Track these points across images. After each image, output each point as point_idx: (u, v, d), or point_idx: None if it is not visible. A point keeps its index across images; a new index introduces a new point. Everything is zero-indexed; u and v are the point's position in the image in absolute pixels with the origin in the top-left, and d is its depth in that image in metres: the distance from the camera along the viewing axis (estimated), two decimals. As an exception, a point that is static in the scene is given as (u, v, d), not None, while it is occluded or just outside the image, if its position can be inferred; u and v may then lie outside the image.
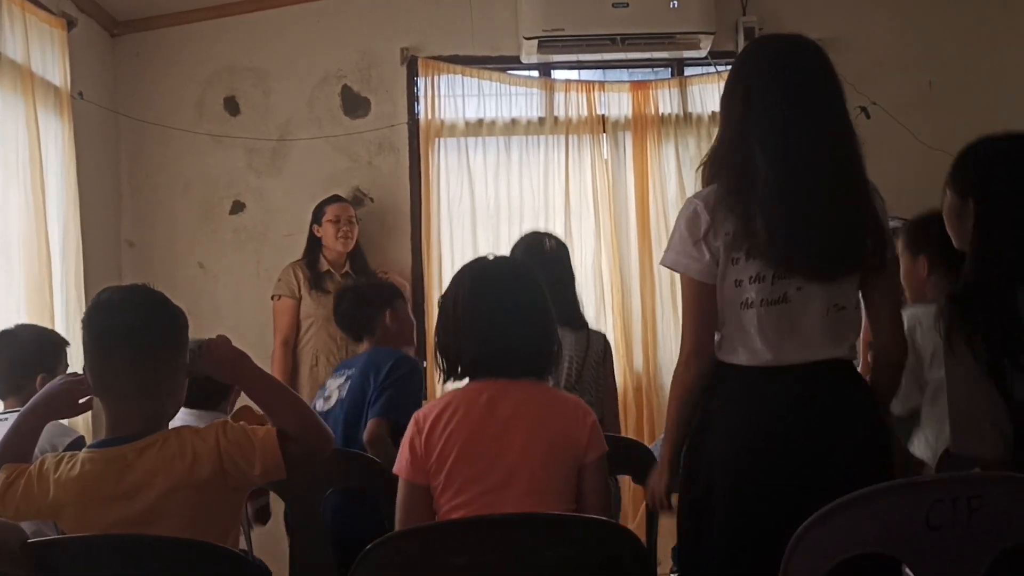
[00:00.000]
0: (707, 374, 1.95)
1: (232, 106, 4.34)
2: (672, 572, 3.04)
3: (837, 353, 1.87)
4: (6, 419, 2.53)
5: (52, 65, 3.52)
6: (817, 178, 1.84)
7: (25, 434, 1.81)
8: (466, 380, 1.97)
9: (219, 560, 1.56)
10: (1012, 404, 1.76)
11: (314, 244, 3.85)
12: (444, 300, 2.00)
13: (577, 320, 2.90)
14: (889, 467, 1.91)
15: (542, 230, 3.29)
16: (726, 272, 1.89)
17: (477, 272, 2.01)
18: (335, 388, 2.77)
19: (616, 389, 3.04)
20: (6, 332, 2.68)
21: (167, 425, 1.73)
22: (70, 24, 3.65)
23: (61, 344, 2.73)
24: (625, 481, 3.80)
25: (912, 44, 4.25)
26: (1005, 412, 1.73)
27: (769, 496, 1.82)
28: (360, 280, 3.58)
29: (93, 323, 1.71)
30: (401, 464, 1.90)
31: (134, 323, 1.67)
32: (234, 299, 4.00)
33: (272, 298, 3.75)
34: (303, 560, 2.30)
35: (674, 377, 2.04)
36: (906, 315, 2.11)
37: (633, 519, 3.94)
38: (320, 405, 2.76)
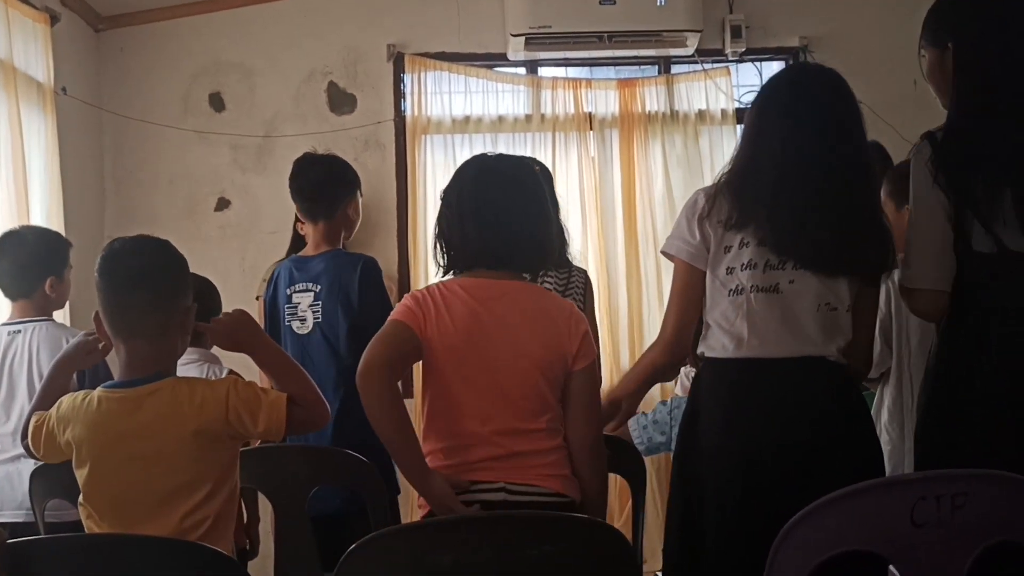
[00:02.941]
0: (677, 364, 2.07)
1: (217, 102, 4.32)
2: (659, 570, 3.04)
3: (826, 351, 1.86)
4: (20, 330, 2.60)
5: (35, 60, 3.49)
6: (819, 183, 1.85)
7: (56, 388, 2.02)
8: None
9: (200, 559, 1.56)
10: (971, 253, 1.83)
11: (298, 242, 3.81)
12: (447, 193, 1.98)
13: (559, 257, 2.78)
14: (879, 466, 1.91)
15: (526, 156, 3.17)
16: (718, 260, 1.90)
17: (481, 165, 2.00)
18: (307, 310, 2.72)
19: (596, 330, 2.91)
20: (12, 233, 2.72)
21: (176, 365, 1.88)
22: (53, 19, 3.62)
23: (66, 245, 2.79)
24: (612, 479, 3.81)
25: (897, 43, 4.21)
26: (951, 256, 1.85)
27: (758, 494, 1.81)
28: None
29: (107, 270, 1.82)
30: (398, 311, 1.89)
31: (144, 269, 1.81)
32: (219, 296, 4.00)
33: (257, 298, 3.72)
34: (289, 558, 2.29)
35: (646, 354, 2.10)
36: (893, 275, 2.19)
37: (619, 517, 3.95)
38: (297, 328, 2.72)
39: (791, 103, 1.92)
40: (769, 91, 2.00)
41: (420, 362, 1.92)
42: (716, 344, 1.90)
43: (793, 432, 1.83)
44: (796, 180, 1.86)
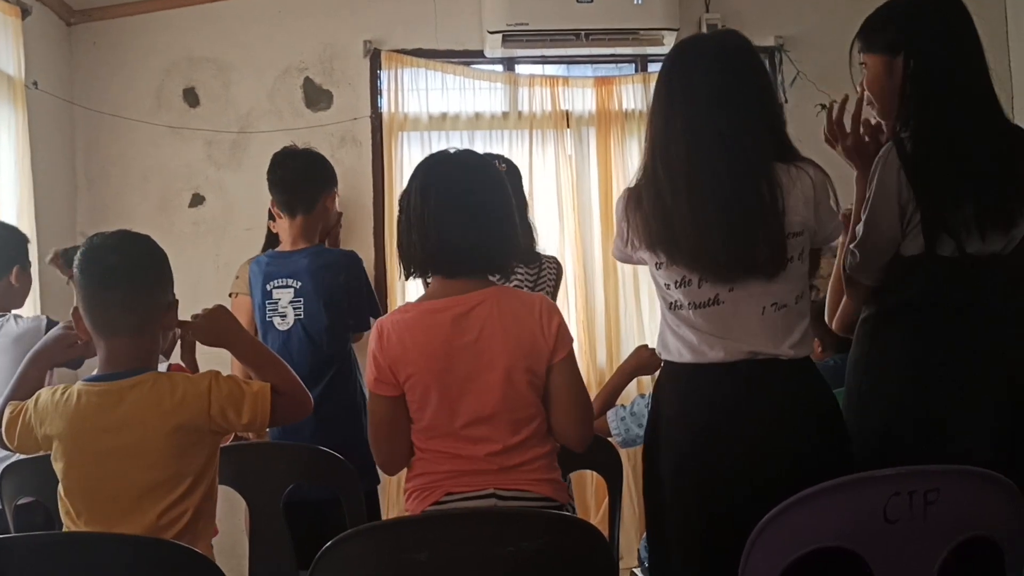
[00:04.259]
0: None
1: (191, 97, 4.28)
2: (636, 567, 3.05)
3: (778, 351, 1.80)
4: None
5: (6, 54, 3.45)
6: (706, 182, 1.79)
7: (31, 380, 2.02)
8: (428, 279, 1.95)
9: (175, 558, 1.54)
10: (934, 256, 1.88)
11: (272, 240, 3.77)
12: (402, 198, 1.94)
13: (528, 253, 2.77)
14: (846, 463, 1.91)
15: (493, 152, 3.15)
16: (653, 272, 1.89)
17: (430, 167, 1.94)
18: (287, 306, 2.72)
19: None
20: None
21: (157, 361, 1.88)
22: (24, 12, 3.57)
23: (25, 240, 2.81)
24: (589, 476, 3.82)
25: (872, 43, 4.29)
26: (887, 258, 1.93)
27: (710, 494, 1.79)
28: None
29: (86, 267, 1.81)
30: (369, 379, 1.90)
31: (126, 265, 1.82)
32: (192, 293, 3.93)
33: (230, 296, 3.70)
34: (263, 556, 2.27)
35: None
36: None
37: (595, 514, 3.96)
38: (278, 323, 2.72)
39: (668, 104, 1.86)
40: (656, 89, 1.93)
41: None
42: (672, 347, 1.88)
43: (744, 434, 1.78)
44: (689, 195, 1.79)
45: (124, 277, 1.80)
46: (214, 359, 2.67)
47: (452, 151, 2.00)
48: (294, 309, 2.71)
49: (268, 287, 2.75)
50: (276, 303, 2.75)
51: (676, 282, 1.84)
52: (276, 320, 2.73)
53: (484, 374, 1.83)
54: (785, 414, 1.79)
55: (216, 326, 1.94)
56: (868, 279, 2.00)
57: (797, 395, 1.82)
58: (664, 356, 1.92)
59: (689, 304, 1.83)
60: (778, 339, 1.81)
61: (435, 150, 4.28)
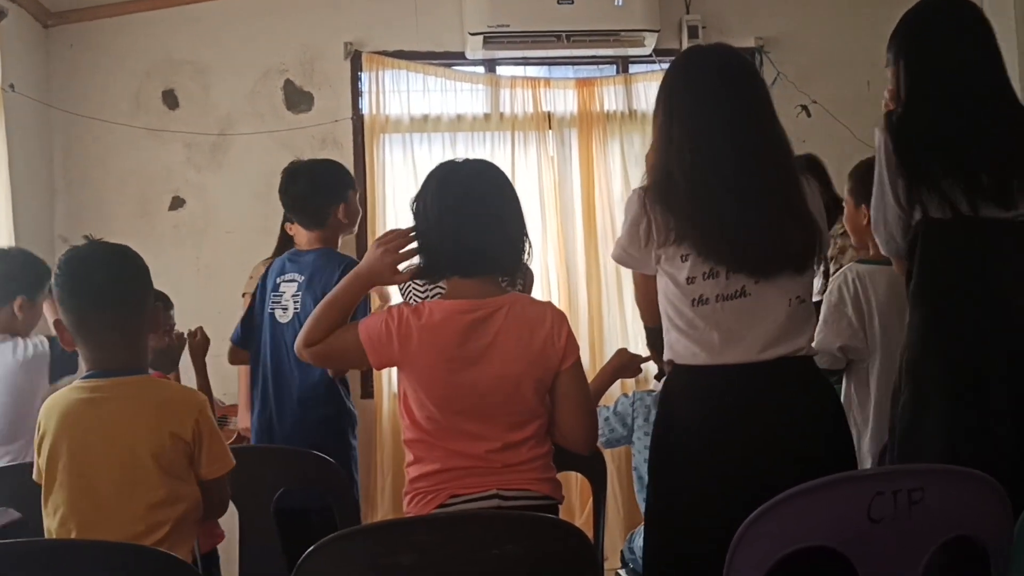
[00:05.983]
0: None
1: (171, 99, 4.26)
2: (620, 568, 3.06)
3: (796, 346, 1.84)
4: None
5: (-19, 56, 3.42)
6: (736, 179, 1.84)
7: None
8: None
9: (156, 564, 1.53)
10: (930, 220, 1.95)
11: (286, 242, 3.74)
12: (416, 204, 1.98)
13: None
14: (851, 459, 1.93)
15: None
16: (676, 267, 1.87)
17: (443, 173, 1.99)
18: (290, 299, 2.74)
19: None
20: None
21: (147, 360, 1.90)
22: (0, 14, 3.54)
23: (47, 273, 2.74)
24: (573, 477, 3.82)
25: (851, 45, 4.32)
26: (901, 228, 2.01)
27: (737, 496, 1.74)
28: None
29: (73, 287, 1.80)
30: (366, 332, 1.89)
31: (112, 285, 1.81)
32: (174, 297, 3.91)
33: (243, 295, 3.67)
34: (253, 563, 2.26)
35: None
36: (854, 269, 2.43)
37: (580, 515, 3.96)
38: (279, 316, 2.74)
39: (691, 100, 1.92)
40: (670, 89, 1.97)
41: (394, 370, 1.95)
42: (684, 351, 1.87)
43: (768, 435, 1.79)
44: (713, 189, 1.84)
45: (113, 298, 1.81)
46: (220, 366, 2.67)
47: (463, 159, 2.04)
48: (295, 303, 2.74)
49: (278, 280, 2.80)
50: (281, 295, 2.79)
51: (704, 274, 1.85)
52: (278, 312, 2.77)
53: (491, 377, 1.86)
54: (800, 412, 1.82)
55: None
56: (882, 243, 2.07)
57: (812, 394, 1.87)
58: (678, 361, 1.91)
59: (716, 297, 1.84)
60: (799, 332, 1.85)
61: (417, 152, 4.34)
